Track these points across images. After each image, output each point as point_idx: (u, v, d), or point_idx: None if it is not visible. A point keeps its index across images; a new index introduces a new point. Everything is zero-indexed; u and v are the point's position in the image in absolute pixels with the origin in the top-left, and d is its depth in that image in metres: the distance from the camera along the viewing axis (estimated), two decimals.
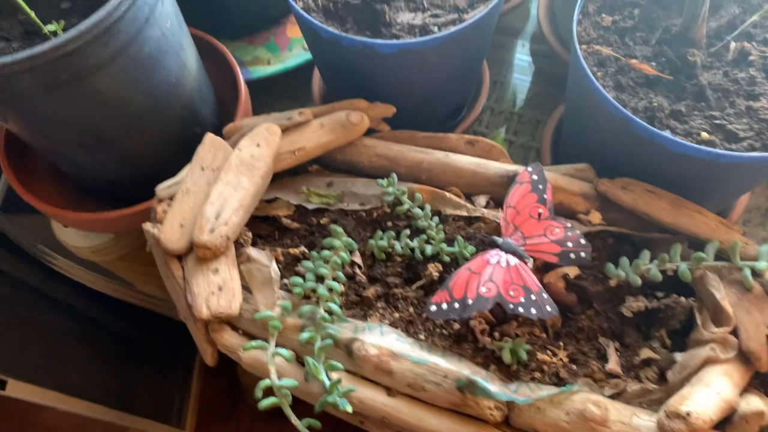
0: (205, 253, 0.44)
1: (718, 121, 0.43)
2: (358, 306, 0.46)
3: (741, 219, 0.65)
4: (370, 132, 0.54)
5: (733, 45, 0.46)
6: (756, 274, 0.41)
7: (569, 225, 0.44)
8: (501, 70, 0.77)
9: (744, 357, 0.39)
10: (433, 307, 0.41)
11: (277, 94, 0.73)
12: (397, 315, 0.45)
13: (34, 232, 0.67)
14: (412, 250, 0.47)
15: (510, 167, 0.49)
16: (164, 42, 0.48)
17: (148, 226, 0.47)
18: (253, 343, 0.41)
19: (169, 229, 0.45)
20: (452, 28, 0.47)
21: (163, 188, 0.48)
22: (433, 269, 0.46)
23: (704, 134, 0.43)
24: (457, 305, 0.41)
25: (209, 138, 0.49)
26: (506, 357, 0.41)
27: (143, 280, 0.75)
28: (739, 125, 0.43)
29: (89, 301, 0.93)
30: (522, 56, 0.79)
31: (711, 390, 0.37)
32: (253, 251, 0.46)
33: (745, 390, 0.39)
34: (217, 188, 0.46)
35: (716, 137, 0.43)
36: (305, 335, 0.41)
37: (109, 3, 0.41)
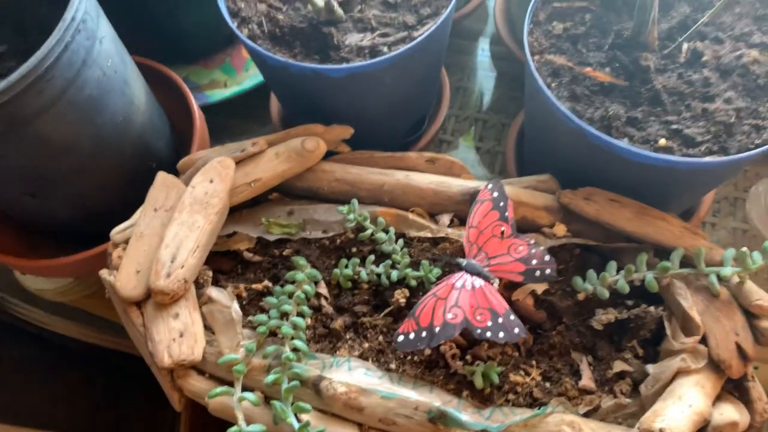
0: (163, 298, 0.43)
1: (675, 126, 0.43)
2: (327, 338, 0.45)
3: (710, 210, 0.65)
4: (330, 154, 0.53)
5: (685, 46, 0.46)
6: (722, 279, 0.41)
7: (533, 242, 0.43)
8: (463, 76, 0.76)
9: (715, 365, 0.39)
10: (401, 338, 0.40)
11: (237, 115, 0.72)
12: (366, 345, 0.44)
13: None
14: (378, 276, 0.46)
15: (472, 184, 0.48)
16: (106, 82, 0.46)
17: (104, 274, 0.46)
18: (218, 389, 0.40)
19: (125, 276, 0.44)
20: (402, 47, 0.46)
21: (117, 232, 0.47)
22: (400, 295, 0.45)
23: (662, 141, 0.42)
24: (424, 334, 0.40)
25: (161, 177, 0.47)
26: (478, 382, 0.41)
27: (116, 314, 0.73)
28: (696, 129, 0.43)
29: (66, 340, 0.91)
30: (484, 59, 0.78)
31: (683, 403, 0.37)
32: (213, 291, 0.45)
33: (719, 397, 0.39)
34: (171, 230, 0.44)
35: (674, 143, 0.42)
36: (271, 377, 0.40)
37: (39, 51, 0.39)
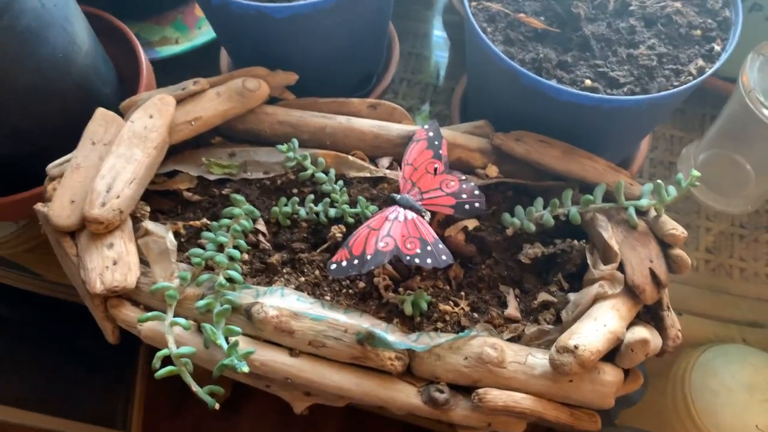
0: (98, 227, 0.43)
1: (601, 69, 0.45)
2: (263, 273, 0.46)
3: (647, 173, 0.67)
4: (273, 101, 0.53)
5: None
6: (640, 212, 0.43)
7: (464, 178, 0.45)
8: (416, 42, 0.77)
9: (630, 291, 0.41)
10: (333, 266, 0.41)
11: (186, 74, 0.71)
12: (303, 279, 0.45)
13: None
14: (317, 214, 0.47)
15: (411, 128, 0.50)
16: (45, 14, 0.46)
17: (39, 206, 0.45)
18: (149, 314, 0.40)
19: (59, 206, 0.44)
20: None
21: (54, 166, 0.47)
22: (337, 231, 0.46)
23: (588, 81, 0.44)
24: (356, 261, 0.41)
25: (100, 112, 0.47)
26: (407, 309, 0.42)
27: (54, 271, 0.71)
28: (621, 72, 0.45)
29: (8, 299, 0.89)
30: (439, 32, 0.80)
31: (598, 323, 0.38)
32: (150, 224, 0.45)
33: (634, 323, 0.41)
34: (108, 162, 0.44)
35: (599, 84, 0.44)
36: (203, 302, 0.41)
37: None
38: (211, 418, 1.21)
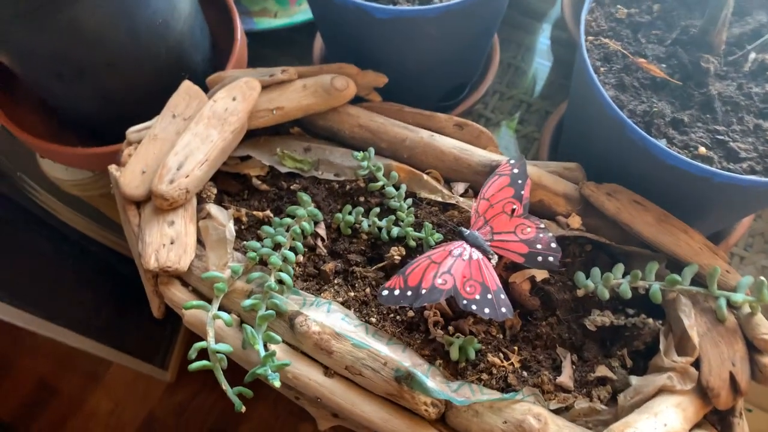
0: (162, 203, 0.42)
1: (720, 137, 0.40)
2: (314, 279, 0.44)
3: (742, 244, 0.61)
4: (358, 100, 0.52)
5: (753, 56, 0.42)
6: (732, 306, 0.38)
7: (542, 226, 0.41)
8: (518, 54, 0.73)
9: (702, 392, 0.37)
10: (385, 292, 0.39)
11: (280, 48, 0.70)
12: (352, 294, 0.43)
13: (17, 161, 0.66)
14: (380, 229, 0.45)
15: (495, 157, 0.46)
16: None
17: (112, 168, 0.46)
18: (194, 302, 0.40)
19: (130, 174, 0.44)
20: (454, 0, 0.44)
21: (133, 131, 0.47)
22: (396, 253, 0.44)
23: (702, 149, 0.39)
24: (409, 293, 0.39)
25: (185, 85, 0.47)
26: (454, 354, 0.40)
27: None
28: (743, 144, 0.40)
29: (84, 235, 0.93)
30: (545, 41, 0.75)
31: (658, 421, 0.35)
32: (213, 208, 0.45)
33: (699, 425, 0.37)
34: (184, 138, 0.44)
35: (715, 154, 0.39)
36: (249, 302, 0.40)
37: None
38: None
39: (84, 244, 0.96)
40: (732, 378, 0.36)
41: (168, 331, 1.23)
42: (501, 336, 0.42)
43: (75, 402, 1.23)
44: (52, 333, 0.85)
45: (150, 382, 1.22)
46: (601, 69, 0.43)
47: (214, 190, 0.46)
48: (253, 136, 0.50)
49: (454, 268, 0.40)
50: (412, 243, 0.44)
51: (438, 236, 0.44)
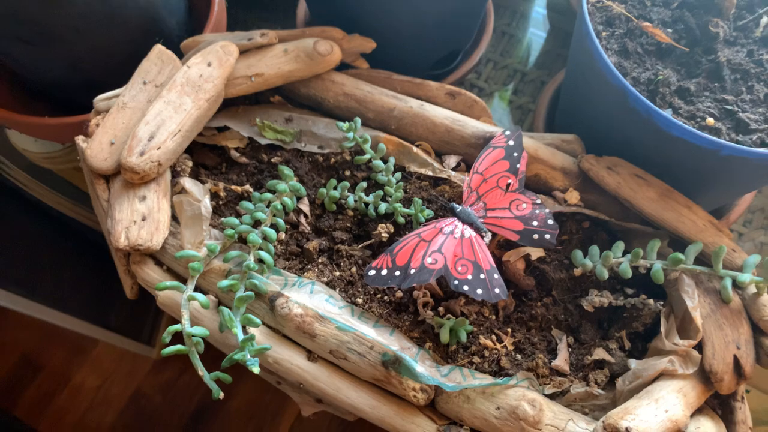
0: (132, 177, 0.39)
1: (729, 107, 0.38)
2: (297, 258, 0.42)
3: (741, 220, 0.59)
4: (344, 67, 0.48)
5: (765, 20, 0.40)
6: (737, 286, 0.36)
7: (539, 202, 0.39)
8: (512, 22, 0.70)
9: (704, 376, 0.35)
10: (372, 272, 0.37)
11: (261, 12, 0.67)
12: (337, 273, 0.41)
13: None
14: (366, 205, 0.43)
15: (489, 128, 0.44)
16: None
17: (79, 140, 0.43)
18: (167, 283, 0.37)
19: (98, 146, 0.41)
20: None
21: (101, 99, 0.43)
22: (383, 230, 0.41)
23: (710, 119, 0.37)
24: (397, 273, 0.36)
25: (157, 50, 0.43)
26: (444, 336, 0.37)
27: None
28: (753, 115, 0.37)
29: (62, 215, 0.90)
30: (541, 10, 0.71)
31: (659, 407, 0.33)
32: (188, 182, 0.42)
33: (700, 410, 0.35)
34: (155, 107, 0.41)
35: (723, 125, 0.37)
36: (226, 282, 0.37)
37: None
38: None
39: (64, 220, 0.93)
40: (736, 362, 0.35)
41: (154, 308, 1.21)
42: (494, 317, 0.40)
43: (61, 378, 1.21)
44: (32, 311, 0.83)
45: (137, 358, 1.21)
46: (603, 34, 0.40)
47: (190, 163, 0.43)
48: (231, 105, 0.47)
49: (445, 247, 0.37)
50: (401, 220, 0.42)
51: (428, 213, 0.41)
